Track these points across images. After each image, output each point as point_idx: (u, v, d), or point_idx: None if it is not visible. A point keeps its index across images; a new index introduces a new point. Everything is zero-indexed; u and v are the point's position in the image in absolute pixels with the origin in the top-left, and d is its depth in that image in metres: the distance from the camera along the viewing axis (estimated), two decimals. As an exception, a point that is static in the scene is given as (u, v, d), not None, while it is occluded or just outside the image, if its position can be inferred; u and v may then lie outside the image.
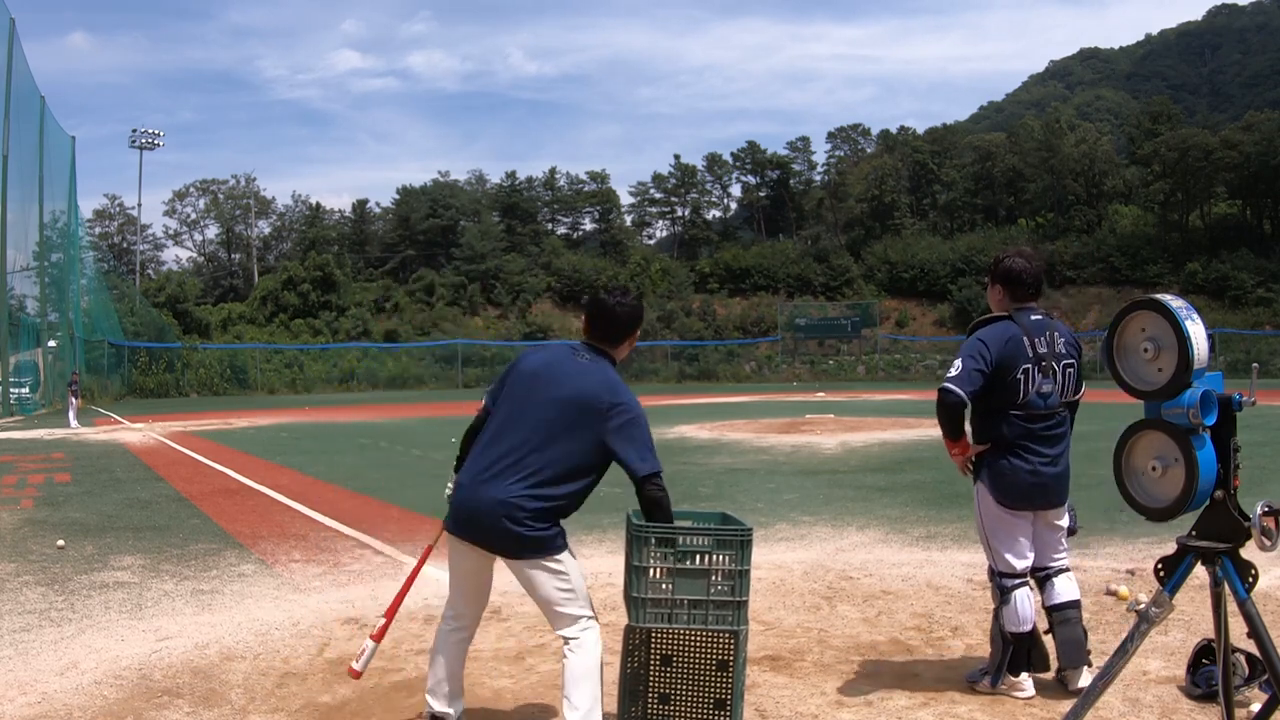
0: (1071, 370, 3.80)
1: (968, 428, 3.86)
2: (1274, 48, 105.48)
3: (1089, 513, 7.77)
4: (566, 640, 3.17)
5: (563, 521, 3.20)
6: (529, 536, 3.09)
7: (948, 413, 3.68)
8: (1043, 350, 3.70)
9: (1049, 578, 3.87)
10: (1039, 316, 3.79)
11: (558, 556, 3.15)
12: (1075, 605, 3.84)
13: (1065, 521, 3.90)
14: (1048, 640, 3.93)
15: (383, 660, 4.39)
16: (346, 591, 5.81)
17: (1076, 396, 3.86)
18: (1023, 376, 3.67)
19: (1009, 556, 3.79)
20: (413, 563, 6.44)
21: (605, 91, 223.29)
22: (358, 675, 3.61)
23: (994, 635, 3.83)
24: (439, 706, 3.36)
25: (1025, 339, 3.70)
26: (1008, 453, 3.72)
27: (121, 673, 4.27)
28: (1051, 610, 3.84)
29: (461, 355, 55.34)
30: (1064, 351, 3.77)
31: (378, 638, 3.60)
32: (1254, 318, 52.98)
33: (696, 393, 42.31)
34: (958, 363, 3.68)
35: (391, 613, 3.64)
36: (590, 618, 3.19)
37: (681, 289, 66.72)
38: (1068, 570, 3.91)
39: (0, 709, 3.83)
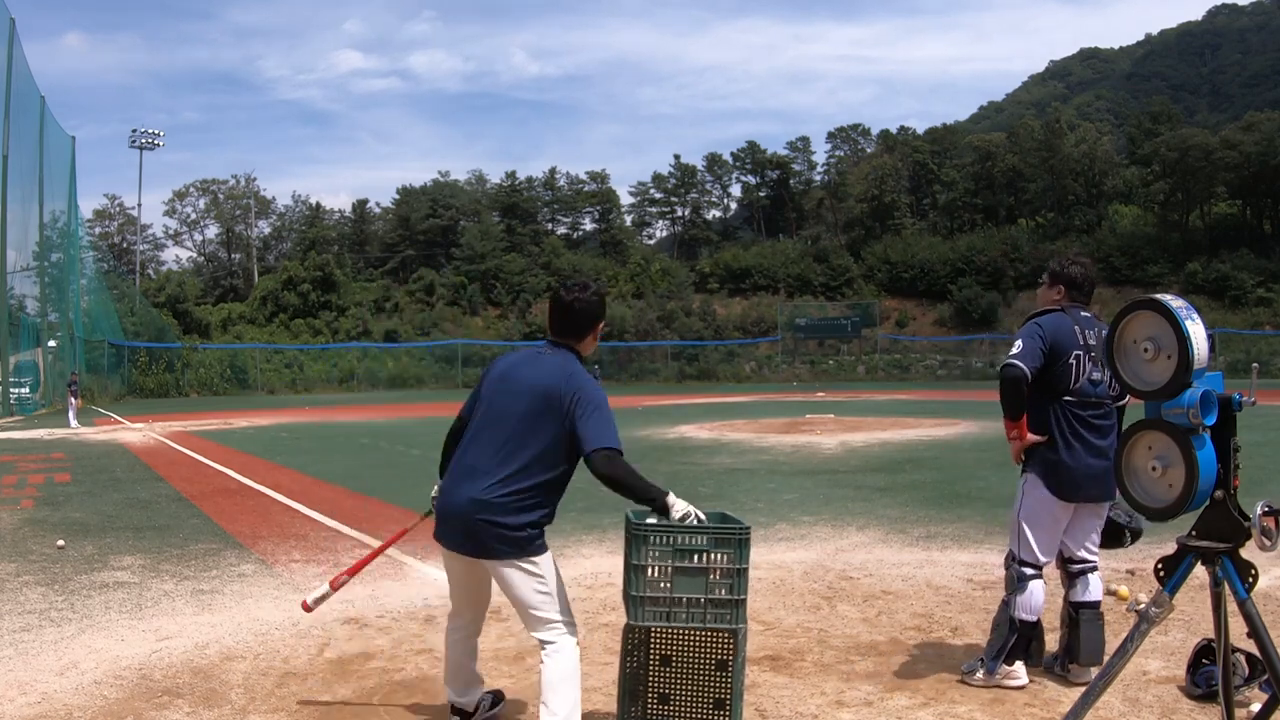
0: None
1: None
2: (1274, 48, 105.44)
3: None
4: (543, 645, 3.18)
5: (556, 525, 3.22)
6: (506, 536, 3.11)
7: (1011, 387, 3.79)
8: (1092, 342, 3.88)
9: (1083, 573, 3.95)
10: (1088, 314, 3.99)
11: (534, 559, 3.15)
12: (1099, 606, 3.93)
13: (1104, 515, 3.97)
14: (1053, 633, 3.96)
15: (383, 660, 4.40)
16: (346, 591, 5.78)
17: (1123, 401, 3.96)
18: (1074, 362, 3.83)
19: (1037, 547, 3.86)
20: (413, 562, 6.46)
21: (607, 92, 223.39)
22: (308, 609, 3.85)
23: (999, 621, 3.87)
24: (452, 696, 3.53)
25: (1076, 328, 3.88)
26: (1061, 443, 3.82)
27: (121, 673, 4.27)
28: (1079, 607, 3.90)
29: (461, 355, 55.36)
30: None
31: (334, 585, 3.80)
32: (1254, 318, 52.98)
33: (696, 393, 42.33)
34: (1018, 343, 3.84)
35: (354, 570, 3.86)
36: (568, 623, 3.20)
37: (681, 289, 66.68)
38: (1097, 568, 3.99)
39: (0, 709, 3.83)
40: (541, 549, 3.18)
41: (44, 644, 4.75)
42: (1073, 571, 3.95)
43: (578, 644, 3.20)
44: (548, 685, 3.11)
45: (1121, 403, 3.97)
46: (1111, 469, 3.83)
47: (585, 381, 3.21)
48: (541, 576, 3.16)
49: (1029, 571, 3.84)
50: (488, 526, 3.11)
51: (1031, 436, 3.87)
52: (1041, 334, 3.83)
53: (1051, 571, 4.02)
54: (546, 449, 3.15)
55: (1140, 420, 2.84)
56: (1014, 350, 3.81)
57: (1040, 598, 3.82)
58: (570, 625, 3.21)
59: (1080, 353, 3.83)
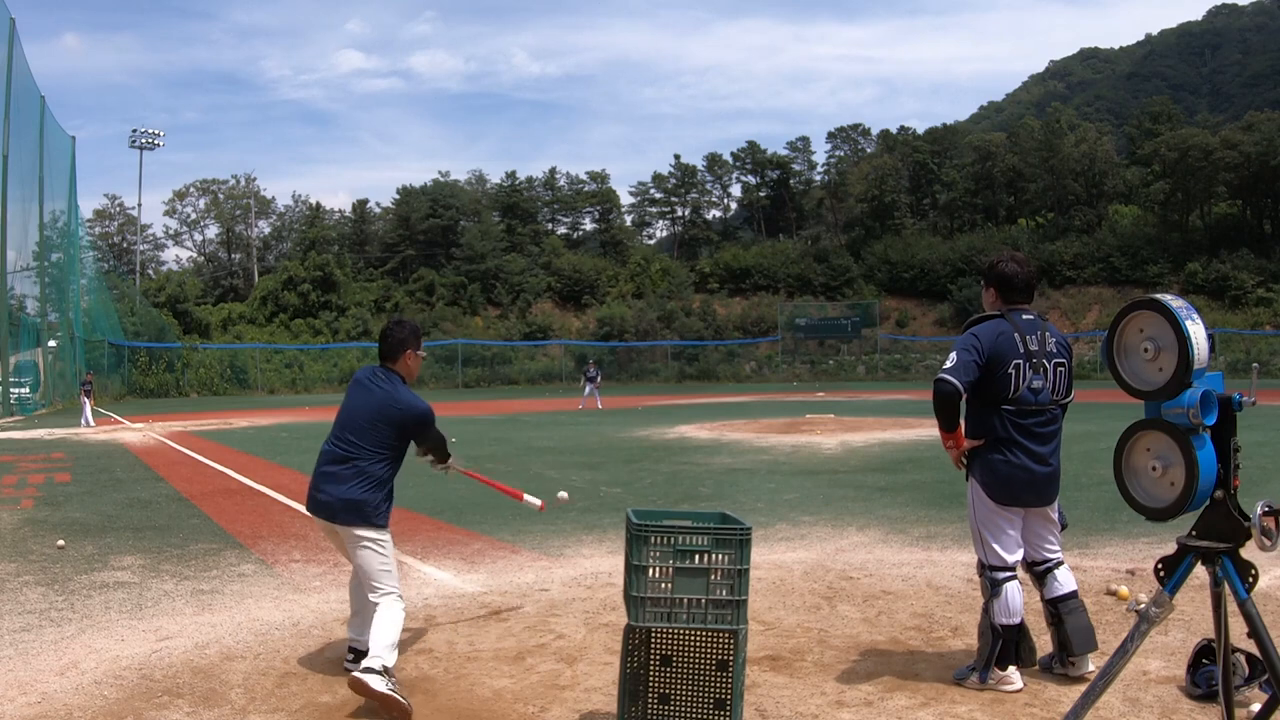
0: (1063, 369, 3.90)
1: (962, 421, 3.94)
2: (1274, 48, 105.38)
3: (1089, 513, 7.78)
4: (375, 604, 3.99)
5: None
6: (348, 510, 4.00)
7: (943, 402, 3.79)
8: (1034, 347, 3.82)
9: (1048, 571, 3.94)
10: (1030, 316, 3.91)
11: (375, 531, 4.01)
12: (1076, 595, 3.92)
13: (1056, 514, 3.98)
14: (1045, 635, 3.97)
15: (383, 660, 4.38)
16: (346, 591, 5.80)
17: (1068, 399, 3.94)
18: (1014, 371, 3.78)
19: (999, 549, 3.86)
20: (413, 562, 6.46)
21: (608, 92, 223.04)
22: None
23: (983, 629, 3.88)
24: (352, 634, 4.25)
25: (1017, 335, 3.82)
26: (1000, 448, 3.81)
27: (121, 673, 4.27)
28: (1056, 602, 3.90)
29: (461, 355, 55.34)
30: (1055, 351, 3.88)
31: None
32: (1254, 318, 52.96)
33: (696, 393, 42.32)
34: (953, 355, 3.80)
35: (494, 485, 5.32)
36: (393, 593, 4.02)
37: (681, 289, 66.71)
38: (1063, 563, 3.99)
39: (0, 709, 3.83)
40: (380, 524, 4.02)
41: (44, 644, 4.75)
42: (1038, 573, 3.96)
43: (402, 610, 3.99)
44: (374, 627, 3.87)
45: (1067, 400, 3.94)
46: (1053, 475, 3.84)
47: (406, 404, 4.14)
48: (382, 553, 4.02)
49: (1001, 576, 3.83)
50: (339, 503, 3.99)
51: (969, 442, 3.87)
52: (978, 345, 3.77)
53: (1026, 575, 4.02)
54: (379, 446, 4.07)
55: (1140, 420, 2.85)
56: (948, 364, 3.78)
57: (1018, 600, 3.81)
58: (395, 594, 4.01)
59: (1021, 361, 3.78)
